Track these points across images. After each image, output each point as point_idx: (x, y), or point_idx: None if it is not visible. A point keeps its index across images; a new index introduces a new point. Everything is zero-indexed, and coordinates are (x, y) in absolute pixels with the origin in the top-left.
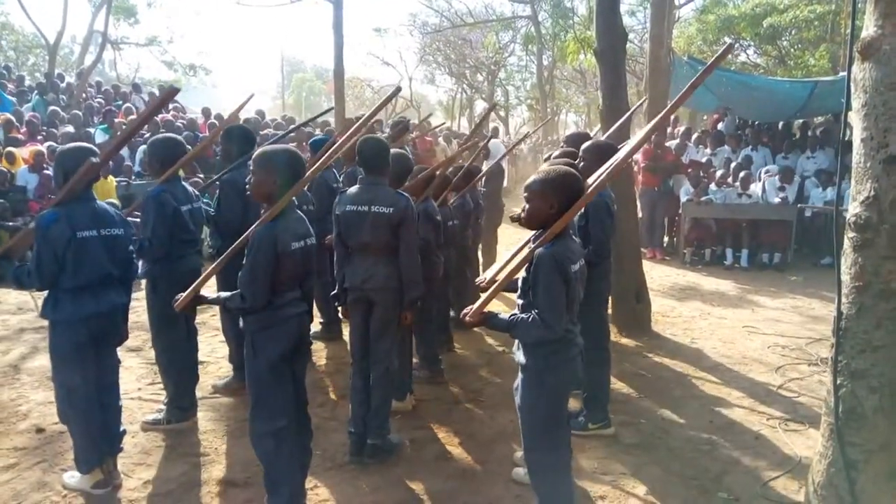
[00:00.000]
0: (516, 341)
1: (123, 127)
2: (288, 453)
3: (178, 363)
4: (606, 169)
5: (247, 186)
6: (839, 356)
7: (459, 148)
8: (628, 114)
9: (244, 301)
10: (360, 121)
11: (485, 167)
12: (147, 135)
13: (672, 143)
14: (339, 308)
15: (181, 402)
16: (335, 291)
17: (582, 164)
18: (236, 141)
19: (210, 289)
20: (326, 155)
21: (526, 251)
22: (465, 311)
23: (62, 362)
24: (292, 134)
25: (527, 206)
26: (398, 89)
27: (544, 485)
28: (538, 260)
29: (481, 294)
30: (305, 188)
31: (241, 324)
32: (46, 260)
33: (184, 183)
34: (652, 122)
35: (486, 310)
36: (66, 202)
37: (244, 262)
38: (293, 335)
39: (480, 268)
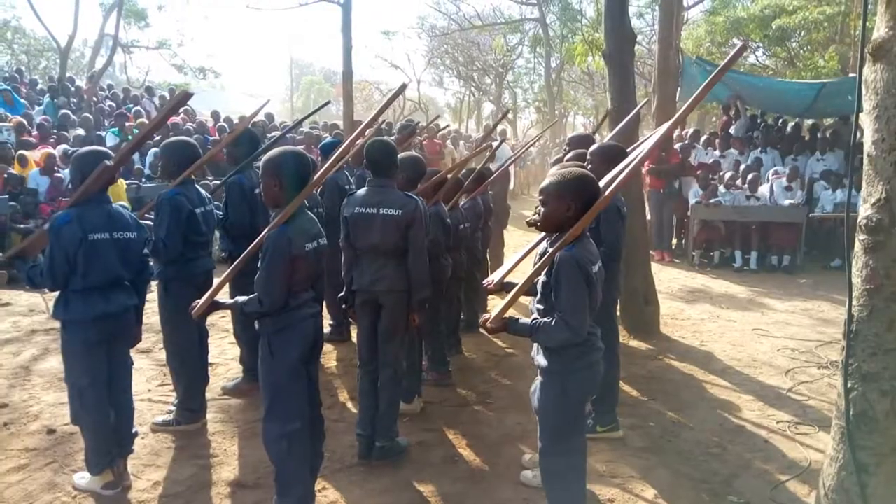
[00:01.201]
0: (535, 345)
1: (134, 130)
2: (301, 456)
3: (189, 365)
4: (622, 171)
5: (256, 191)
6: (850, 359)
7: (471, 152)
8: (630, 115)
9: (262, 305)
10: (367, 120)
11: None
12: (157, 137)
13: (678, 145)
14: (347, 310)
15: (191, 403)
16: (343, 293)
17: (590, 166)
18: (242, 144)
19: (222, 292)
20: (336, 156)
21: (536, 253)
22: (483, 317)
23: (73, 362)
24: (292, 135)
25: (542, 209)
26: (403, 86)
27: (557, 489)
28: (560, 263)
29: (489, 296)
30: (316, 191)
31: (256, 326)
32: (58, 261)
33: (197, 186)
34: (667, 123)
35: (505, 315)
36: (80, 204)
37: (259, 265)
38: (309, 336)
39: (489, 270)
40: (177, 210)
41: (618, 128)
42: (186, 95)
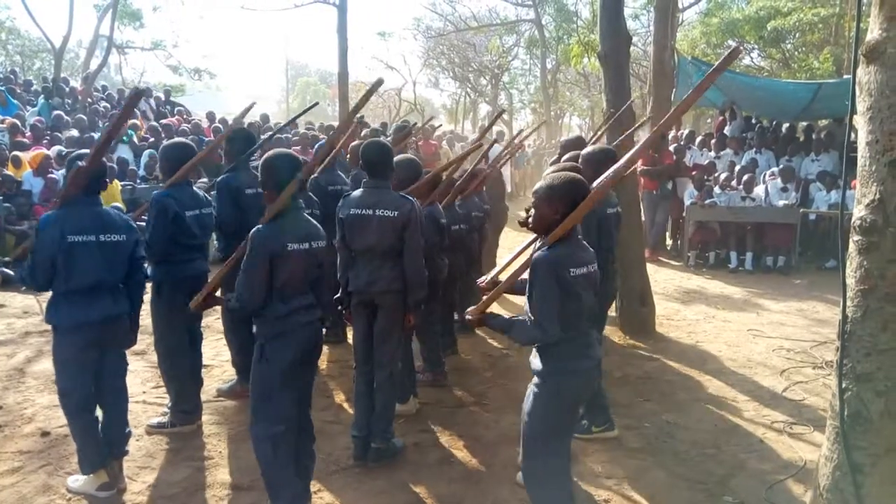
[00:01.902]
0: (533, 348)
1: (129, 131)
2: (285, 458)
3: (179, 368)
4: (608, 176)
5: (247, 191)
6: (844, 359)
7: (464, 151)
8: (611, 120)
9: (240, 302)
10: (342, 123)
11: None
12: (151, 139)
13: (672, 146)
14: (342, 312)
15: (184, 405)
16: (338, 295)
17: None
18: (239, 144)
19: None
20: (329, 157)
21: (529, 253)
22: (468, 310)
23: (60, 366)
24: (287, 136)
25: (533, 212)
26: (380, 81)
27: (539, 492)
28: (535, 264)
29: (484, 296)
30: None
31: (254, 330)
32: (40, 261)
33: (194, 188)
34: (657, 126)
35: (487, 311)
36: (66, 205)
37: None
38: (303, 344)
39: (484, 271)
40: (163, 212)
41: (598, 134)
42: (140, 92)
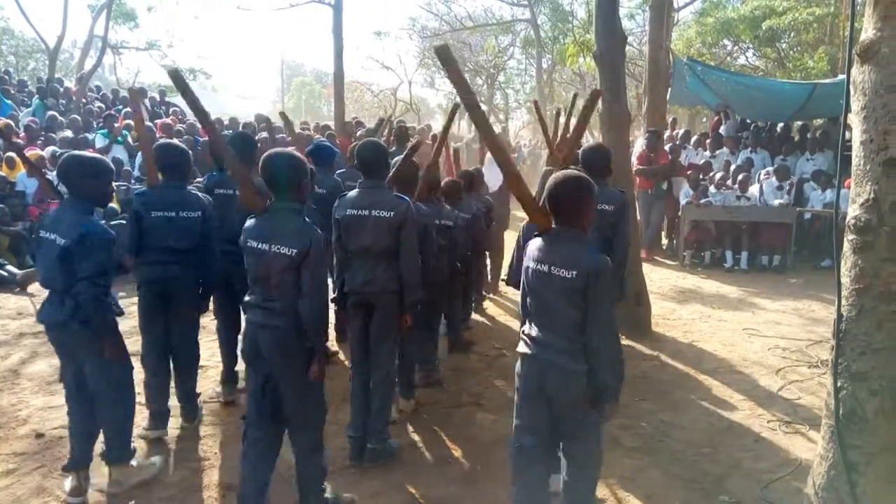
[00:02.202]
0: None
1: (124, 132)
2: (248, 456)
3: (148, 370)
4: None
5: (217, 191)
6: (839, 358)
7: (412, 147)
8: (574, 112)
9: None
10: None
11: (486, 173)
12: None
13: (668, 146)
14: (338, 312)
15: (154, 407)
16: (335, 295)
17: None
18: (238, 147)
19: None
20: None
21: None
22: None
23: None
24: (282, 135)
25: None
26: (173, 71)
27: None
28: None
29: (485, 297)
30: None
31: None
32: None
33: (190, 189)
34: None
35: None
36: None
37: None
38: (251, 342)
39: (488, 271)
40: (132, 211)
41: (573, 132)
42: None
